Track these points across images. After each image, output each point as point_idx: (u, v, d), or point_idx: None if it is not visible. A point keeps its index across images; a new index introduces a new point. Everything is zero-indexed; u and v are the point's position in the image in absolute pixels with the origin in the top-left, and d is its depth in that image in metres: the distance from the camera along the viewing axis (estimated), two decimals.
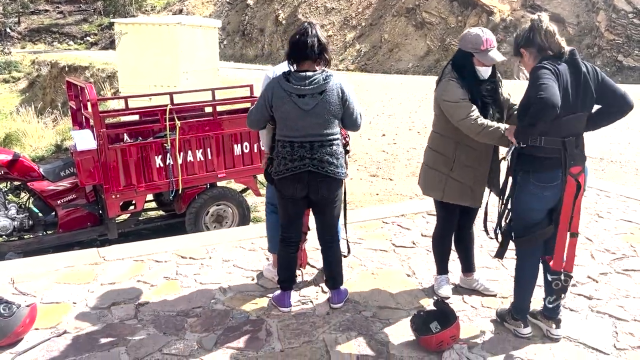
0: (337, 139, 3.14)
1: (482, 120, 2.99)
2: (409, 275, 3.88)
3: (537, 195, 2.83)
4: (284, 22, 36.30)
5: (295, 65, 3.07)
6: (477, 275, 3.64)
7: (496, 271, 3.91)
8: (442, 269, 3.62)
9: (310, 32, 3.03)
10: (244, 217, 5.36)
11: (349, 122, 3.19)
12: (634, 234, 4.58)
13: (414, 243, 4.44)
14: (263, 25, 37.16)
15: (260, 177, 5.94)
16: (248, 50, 36.55)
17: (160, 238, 4.68)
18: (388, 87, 14.94)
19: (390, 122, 10.56)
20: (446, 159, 3.26)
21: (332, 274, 3.43)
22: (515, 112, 3.20)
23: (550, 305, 3.03)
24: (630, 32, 22.88)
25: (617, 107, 2.80)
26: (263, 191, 5.21)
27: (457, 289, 3.64)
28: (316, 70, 3.05)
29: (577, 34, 26.09)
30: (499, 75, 3.25)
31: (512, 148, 2.85)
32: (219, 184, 5.56)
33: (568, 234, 2.86)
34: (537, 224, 2.89)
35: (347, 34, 29.41)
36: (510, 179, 2.99)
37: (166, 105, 4.94)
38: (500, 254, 3.06)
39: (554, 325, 3.08)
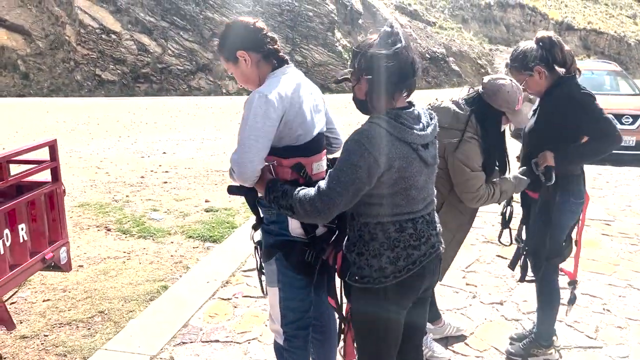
0: None
1: (488, 188, 2.66)
2: None
3: (574, 213, 2.79)
4: None
5: (389, 101, 1.84)
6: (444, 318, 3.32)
7: None
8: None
9: (407, 39, 1.84)
10: None
11: None
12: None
13: None
14: None
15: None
16: None
17: None
18: None
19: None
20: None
21: None
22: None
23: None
24: (102, 47, 23.57)
25: None
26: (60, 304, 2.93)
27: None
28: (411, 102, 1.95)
29: (49, 48, 25.09)
30: None
31: (552, 171, 2.65)
32: None
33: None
34: (563, 242, 2.85)
35: None
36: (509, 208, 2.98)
37: None
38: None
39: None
